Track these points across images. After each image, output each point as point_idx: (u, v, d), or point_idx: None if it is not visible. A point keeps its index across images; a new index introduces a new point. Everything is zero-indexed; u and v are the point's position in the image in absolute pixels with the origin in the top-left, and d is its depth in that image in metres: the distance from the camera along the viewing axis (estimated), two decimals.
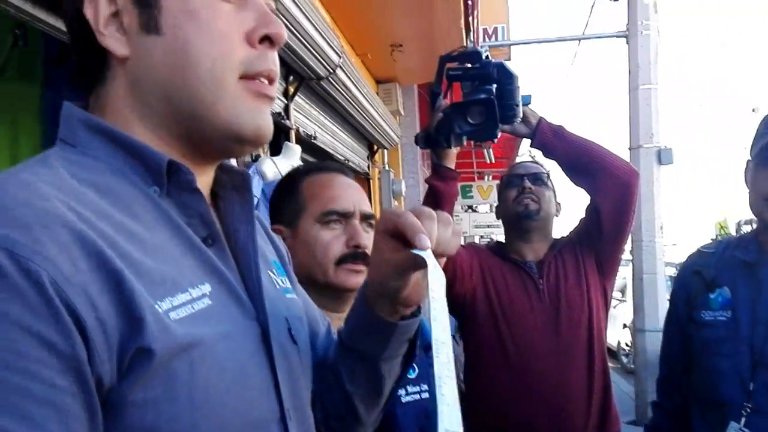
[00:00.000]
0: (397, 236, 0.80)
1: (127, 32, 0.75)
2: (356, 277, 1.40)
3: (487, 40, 9.05)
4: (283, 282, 0.95)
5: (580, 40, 9.24)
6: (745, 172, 1.90)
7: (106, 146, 0.74)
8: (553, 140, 2.19)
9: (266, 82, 0.79)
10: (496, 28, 9.30)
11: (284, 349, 0.82)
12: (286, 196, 1.48)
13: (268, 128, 0.80)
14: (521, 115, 2.06)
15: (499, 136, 2.06)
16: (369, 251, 1.42)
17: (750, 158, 1.87)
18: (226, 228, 0.83)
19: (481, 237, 17.13)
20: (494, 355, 2.22)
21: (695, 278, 1.91)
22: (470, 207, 16.48)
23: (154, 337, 0.63)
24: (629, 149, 8.01)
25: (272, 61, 0.79)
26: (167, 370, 0.65)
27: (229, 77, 0.75)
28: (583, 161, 2.18)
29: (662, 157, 7.75)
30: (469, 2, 5.28)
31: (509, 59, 9.46)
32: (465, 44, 5.79)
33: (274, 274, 0.93)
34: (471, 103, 1.97)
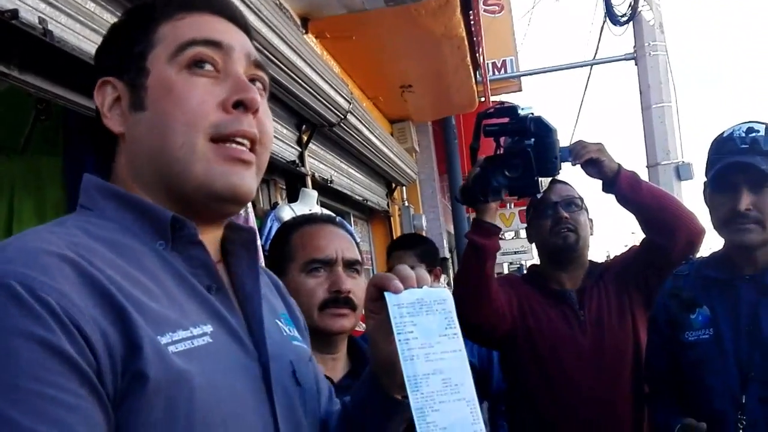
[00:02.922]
0: (378, 303, 0.89)
1: (124, 113, 0.88)
2: (339, 321, 1.48)
3: (496, 73, 9.18)
4: (290, 331, 1.02)
5: (591, 65, 9.32)
6: (703, 192, 1.94)
7: (118, 208, 0.85)
8: (632, 191, 2.10)
9: (244, 145, 0.87)
10: (504, 61, 9.42)
11: (286, 389, 0.89)
12: (278, 248, 1.58)
13: (247, 188, 0.87)
14: (560, 168, 2.03)
15: (541, 192, 2.07)
16: (353, 296, 1.51)
17: (705, 181, 1.91)
18: (235, 279, 0.92)
19: (510, 263, 16.97)
20: (537, 387, 2.19)
21: (674, 301, 1.93)
22: None
23: (149, 363, 0.71)
24: (647, 167, 8.02)
25: (246, 123, 0.87)
26: (167, 396, 0.72)
27: (199, 140, 0.84)
28: (660, 216, 2.11)
29: (681, 172, 7.76)
30: (474, 39, 5.40)
31: (520, 90, 9.58)
32: (474, 78, 5.89)
33: (281, 322, 1.00)
34: (507, 155, 1.99)
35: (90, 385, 0.68)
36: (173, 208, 0.86)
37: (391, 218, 6.35)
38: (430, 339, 0.83)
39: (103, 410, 0.69)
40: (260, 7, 2.72)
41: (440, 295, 0.88)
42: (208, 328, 0.80)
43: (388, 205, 6.18)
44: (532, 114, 2.04)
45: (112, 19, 1.87)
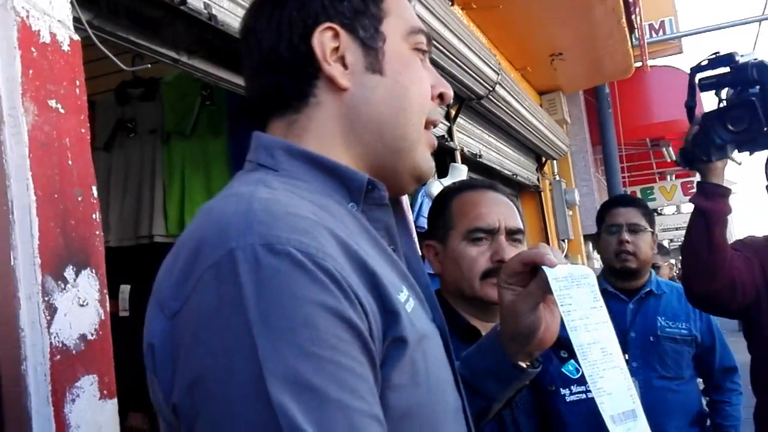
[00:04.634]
0: (519, 277, 0.94)
1: (350, 68, 0.84)
2: None
3: (653, 35, 8.60)
4: None
5: (760, 21, 8.51)
6: None
7: (309, 169, 0.82)
8: None
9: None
10: (662, 22, 8.81)
11: (451, 349, 0.90)
12: (438, 214, 1.55)
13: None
14: None
15: None
16: None
17: None
18: None
19: (671, 241, 16.06)
20: None
21: None
22: (654, 210, 15.61)
23: (406, 328, 0.72)
24: None
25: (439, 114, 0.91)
26: (411, 359, 0.72)
27: (423, 122, 0.88)
28: None
29: None
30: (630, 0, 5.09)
31: (681, 52, 8.92)
32: (630, 42, 5.56)
33: None
34: (728, 108, 1.84)
35: (369, 353, 0.68)
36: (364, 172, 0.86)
37: (542, 193, 6.19)
38: (584, 311, 0.87)
39: (376, 377, 0.69)
40: None
41: (584, 270, 0.92)
42: (407, 291, 0.79)
43: (538, 179, 6.02)
44: (755, 59, 1.85)
45: None
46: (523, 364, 0.98)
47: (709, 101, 1.96)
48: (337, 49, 0.84)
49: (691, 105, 1.92)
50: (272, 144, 0.85)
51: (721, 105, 1.89)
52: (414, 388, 0.72)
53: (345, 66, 0.84)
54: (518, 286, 0.93)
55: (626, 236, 2.61)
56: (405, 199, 0.97)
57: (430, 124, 0.89)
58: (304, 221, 0.69)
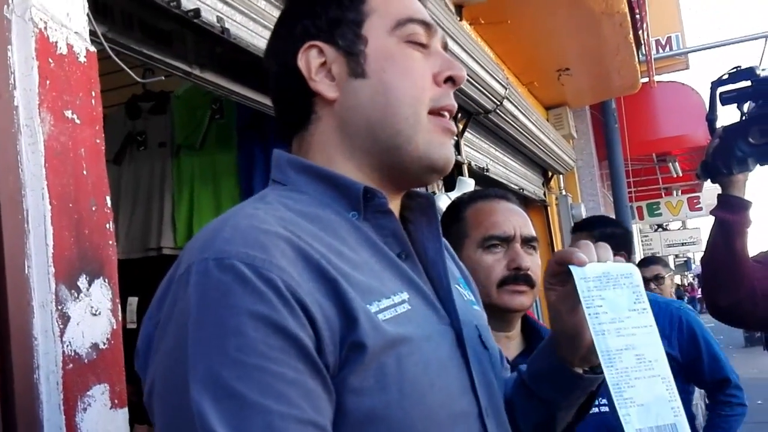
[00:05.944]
0: (560, 277, 0.89)
1: (336, 78, 0.88)
2: (518, 298, 1.45)
3: (660, 51, 8.63)
4: (468, 295, 1.03)
5: (766, 38, 8.54)
6: None
7: (311, 181, 0.87)
8: None
9: (447, 116, 0.90)
10: (669, 38, 8.85)
11: (477, 352, 0.89)
12: (452, 224, 1.55)
13: (452, 159, 0.91)
14: None
15: None
16: (531, 273, 1.47)
17: None
18: (416, 246, 0.92)
19: (676, 256, 15.99)
20: None
21: None
22: (659, 226, 15.55)
23: (366, 333, 0.73)
24: None
25: (452, 98, 0.91)
26: (378, 363, 0.74)
27: (422, 112, 0.87)
28: None
29: None
30: (638, 15, 5.11)
31: (687, 68, 8.92)
32: (637, 58, 5.58)
33: (460, 287, 1.01)
34: (749, 122, 1.87)
35: (310, 361, 0.70)
36: (372, 176, 0.88)
37: (548, 208, 6.18)
38: (619, 314, 0.81)
39: (323, 383, 0.71)
40: None
41: (626, 269, 0.85)
42: (405, 296, 0.81)
43: (544, 194, 6.02)
44: None
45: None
46: (579, 370, 0.93)
47: (727, 115, 1.98)
48: (324, 63, 0.88)
49: (711, 118, 1.94)
50: (282, 160, 0.91)
51: (742, 118, 1.92)
52: (380, 393, 0.74)
53: (333, 78, 0.88)
54: (559, 287, 0.90)
55: None
56: (439, 206, 0.97)
57: (440, 110, 0.89)
58: (262, 236, 0.73)
